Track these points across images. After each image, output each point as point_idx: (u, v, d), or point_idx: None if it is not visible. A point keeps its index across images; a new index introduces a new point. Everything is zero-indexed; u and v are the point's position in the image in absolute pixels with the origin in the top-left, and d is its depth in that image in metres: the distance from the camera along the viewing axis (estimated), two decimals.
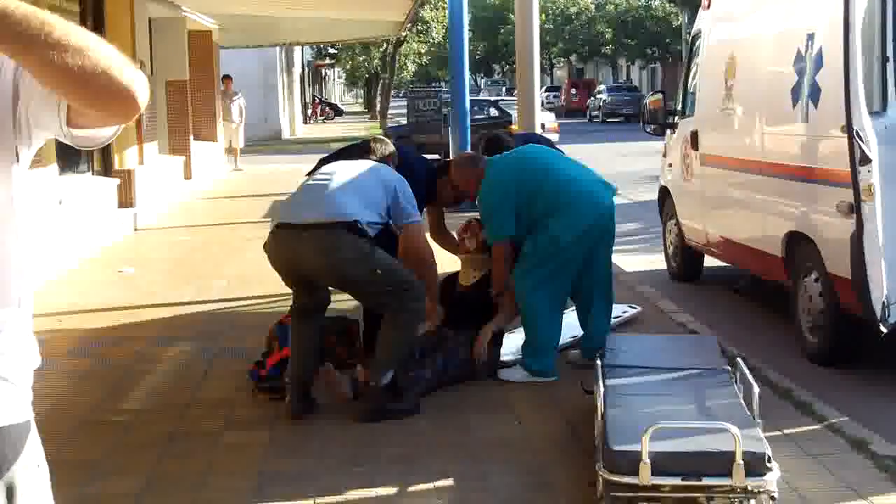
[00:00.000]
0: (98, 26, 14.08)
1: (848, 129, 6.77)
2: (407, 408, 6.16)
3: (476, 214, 7.33)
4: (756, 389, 5.06)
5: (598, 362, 5.70)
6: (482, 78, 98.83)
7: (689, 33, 11.67)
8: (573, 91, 65.40)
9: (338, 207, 6.03)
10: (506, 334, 7.31)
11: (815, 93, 7.57)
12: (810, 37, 7.69)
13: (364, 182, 6.26)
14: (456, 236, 7.57)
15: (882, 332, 6.79)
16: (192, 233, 14.56)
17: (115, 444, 5.89)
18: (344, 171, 6.34)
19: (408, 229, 6.31)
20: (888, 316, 6.72)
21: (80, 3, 13.65)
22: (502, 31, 75.60)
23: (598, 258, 7.11)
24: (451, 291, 7.31)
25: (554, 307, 6.97)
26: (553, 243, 6.80)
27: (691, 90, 10.70)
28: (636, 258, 11.86)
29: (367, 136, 6.59)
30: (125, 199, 14.42)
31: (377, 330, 7.31)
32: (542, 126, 17.06)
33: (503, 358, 7.13)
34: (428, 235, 7.48)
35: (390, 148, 6.90)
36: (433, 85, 34.46)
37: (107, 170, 14.24)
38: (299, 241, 6.00)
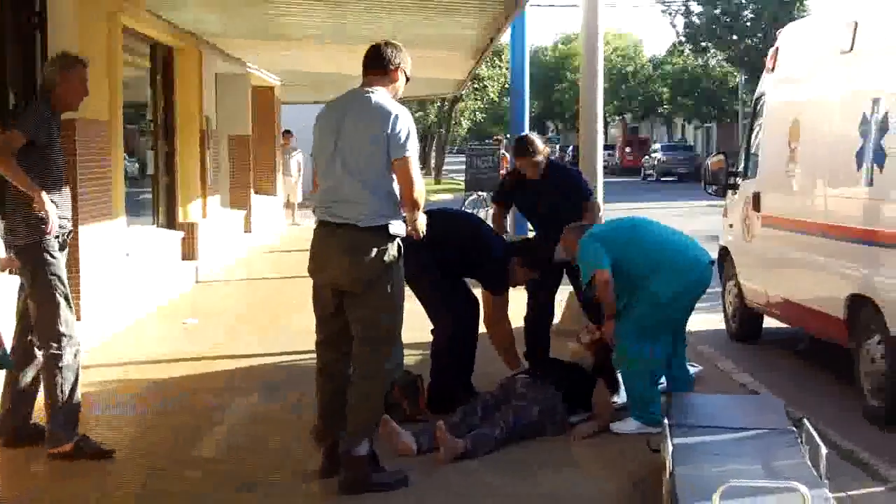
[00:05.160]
0: (168, 81, 14.41)
1: None
2: (390, 481, 5.88)
3: None
4: (823, 450, 5.10)
5: (665, 421, 5.75)
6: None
7: (746, 93, 11.75)
8: (627, 149, 65.41)
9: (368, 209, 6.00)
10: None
11: (880, 156, 7.63)
12: (876, 101, 7.75)
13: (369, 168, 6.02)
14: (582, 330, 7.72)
15: None
16: (252, 286, 14.72)
17: (181, 493, 5.98)
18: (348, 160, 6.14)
19: (396, 164, 5.92)
20: None
21: (152, 60, 13.98)
22: (557, 89, 75.84)
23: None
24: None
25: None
26: (654, 300, 6.92)
27: (753, 151, 10.74)
28: (695, 317, 11.73)
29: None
30: (188, 252, 14.65)
31: (444, 385, 7.43)
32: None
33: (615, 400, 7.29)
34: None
35: (401, 57, 6.27)
36: (487, 141, 34.85)
37: (170, 222, 14.49)
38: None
